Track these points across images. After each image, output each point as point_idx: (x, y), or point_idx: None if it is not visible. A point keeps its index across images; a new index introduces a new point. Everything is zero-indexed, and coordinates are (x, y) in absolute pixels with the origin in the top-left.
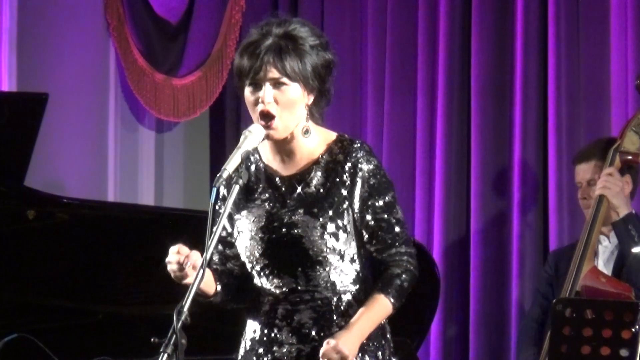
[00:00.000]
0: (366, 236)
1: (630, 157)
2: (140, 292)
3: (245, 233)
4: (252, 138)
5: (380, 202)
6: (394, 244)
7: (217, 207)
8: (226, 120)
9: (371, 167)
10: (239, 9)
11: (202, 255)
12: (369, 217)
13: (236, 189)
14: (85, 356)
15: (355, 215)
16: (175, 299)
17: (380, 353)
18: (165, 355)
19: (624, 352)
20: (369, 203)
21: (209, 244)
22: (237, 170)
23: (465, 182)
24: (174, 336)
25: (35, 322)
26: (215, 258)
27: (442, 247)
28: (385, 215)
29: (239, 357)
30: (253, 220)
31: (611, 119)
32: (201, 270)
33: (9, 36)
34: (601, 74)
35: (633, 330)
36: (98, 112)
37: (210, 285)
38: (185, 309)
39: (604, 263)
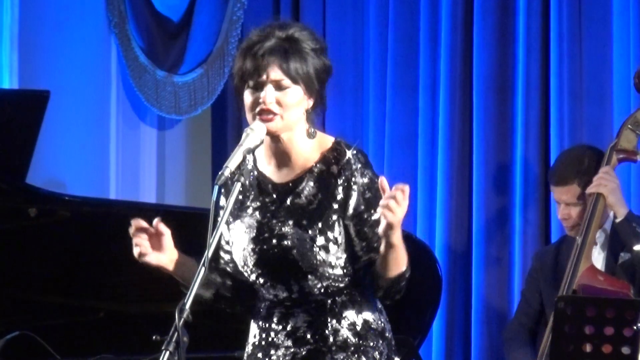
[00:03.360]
0: (363, 244)
1: (626, 156)
2: (142, 290)
3: (238, 243)
4: (254, 135)
5: (377, 215)
6: None
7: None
8: (228, 118)
9: (366, 180)
10: (240, 6)
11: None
12: (366, 229)
13: (238, 186)
14: (87, 354)
15: (348, 225)
16: (177, 297)
17: (377, 353)
18: (167, 352)
19: (625, 350)
20: (365, 217)
21: (210, 241)
22: (239, 168)
23: (467, 179)
24: (176, 334)
25: (37, 319)
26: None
27: (444, 245)
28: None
29: None
30: (245, 231)
31: (613, 116)
32: (203, 268)
33: (10, 33)
34: (603, 71)
35: (635, 327)
36: (99, 109)
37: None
38: (187, 306)
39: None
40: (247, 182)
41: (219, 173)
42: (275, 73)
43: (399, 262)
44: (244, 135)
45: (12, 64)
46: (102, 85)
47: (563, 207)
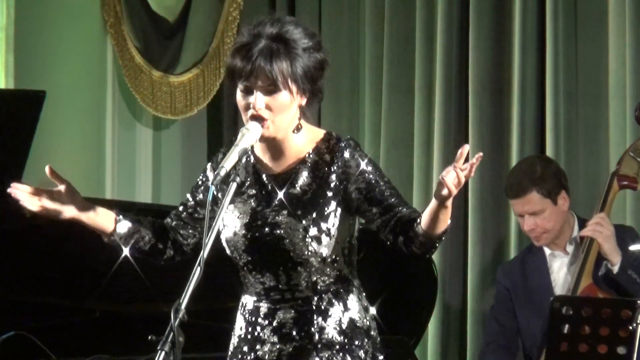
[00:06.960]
0: (377, 208)
1: (628, 183)
2: (137, 290)
3: (229, 227)
4: (250, 136)
5: (382, 183)
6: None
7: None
8: (223, 118)
9: (359, 161)
10: (236, 7)
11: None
12: (376, 192)
13: (233, 186)
14: (82, 354)
15: (359, 204)
16: (172, 297)
17: (362, 352)
18: (163, 353)
19: (621, 350)
20: (372, 187)
21: (205, 242)
22: (234, 167)
23: None
24: (172, 334)
25: (33, 320)
26: (173, 218)
27: (439, 246)
28: (392, 191)
29: (228, 354)
30: (238, 216)
31: (609, 116)
32: (199, 268)
33: (6, 34)
34: (599, 71)
35: (630, 328)
36: (96, 110)
37: (107, 222)
38: (183, 306)
39: None
40: (245, 168)
41: (215, 173)
42: (262, 79)
43: (447, 219)
44: (239, 135)
45: (7, 64)
46: (98, 86)
47: (527, 219)
